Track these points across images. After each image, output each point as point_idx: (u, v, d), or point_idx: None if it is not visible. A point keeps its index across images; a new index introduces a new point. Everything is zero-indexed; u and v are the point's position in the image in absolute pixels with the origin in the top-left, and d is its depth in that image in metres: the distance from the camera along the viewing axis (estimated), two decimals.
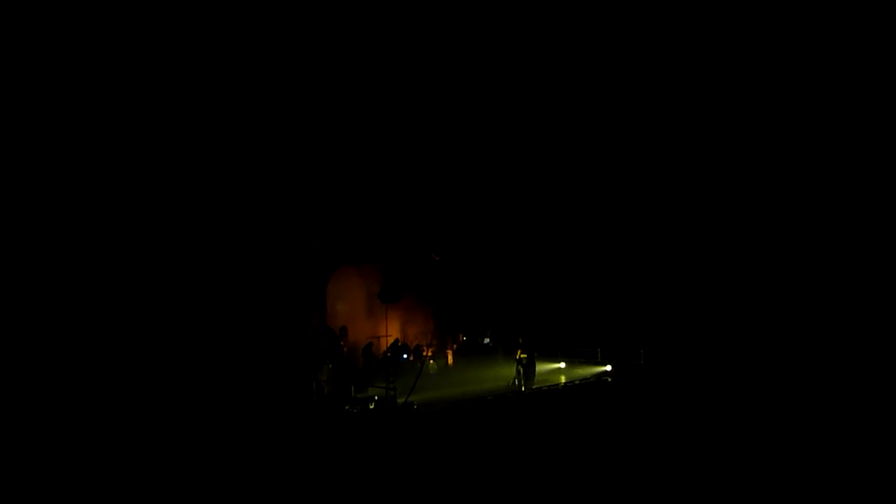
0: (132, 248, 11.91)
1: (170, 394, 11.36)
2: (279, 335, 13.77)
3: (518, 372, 15.82)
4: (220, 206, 13.34)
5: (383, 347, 16.92)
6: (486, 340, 18.64)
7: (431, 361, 17.45)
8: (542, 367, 17.36)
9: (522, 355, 15.91)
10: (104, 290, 11.44)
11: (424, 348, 17.66)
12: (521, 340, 16.43)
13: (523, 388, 15.55)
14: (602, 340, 17.72)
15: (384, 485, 8.75)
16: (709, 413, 11.53)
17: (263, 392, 12.38)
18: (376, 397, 13.65)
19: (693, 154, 15.31)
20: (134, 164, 11.98)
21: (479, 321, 18.92)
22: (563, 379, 16.91)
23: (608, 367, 17.03)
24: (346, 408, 13.28)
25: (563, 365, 18.07)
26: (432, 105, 14.59)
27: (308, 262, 15.43)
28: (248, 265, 13.71)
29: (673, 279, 16.73)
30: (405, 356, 17.03)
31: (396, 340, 17.20)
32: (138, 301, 11.85)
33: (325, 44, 12.87)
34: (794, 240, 14.42)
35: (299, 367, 13.59)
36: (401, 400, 13.35)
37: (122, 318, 11.50)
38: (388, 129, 14.83)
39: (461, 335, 19.06)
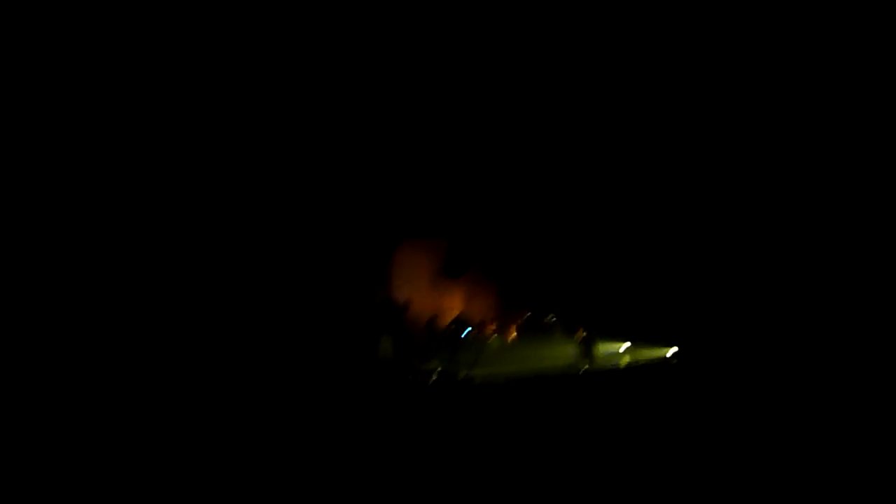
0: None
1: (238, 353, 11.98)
2: (345, 309, 14.39)
3: (579, 352, 15.85)
4: (287, 181, 14.07)
5: (447, 322, 17.03)
6: (552, 318, 18.42)
7: (494, 335, 17.47)
8: (609, 347, 17.16)
9: (582, 334, 15.91)
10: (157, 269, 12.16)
11: (488, 323, 17.63)
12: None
13: (581, 369, 15.53)
14: (668, 323, 17.08)
15: (438, 459, 8.96)
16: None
17: (327, 362, 12.78)
18: (438, 369, 13.83)
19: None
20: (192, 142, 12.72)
21: (544, 299, 18.64)
22: (626, 360, 16.77)
23: (674, 350, 16.67)
24: (409, 379, 13.57)
25: (627, 345, 17.50)
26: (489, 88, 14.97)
27: (374, 235, 16.05)
28: (314, 240, 14.41)
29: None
30: (468, 330, 17.10)
31: (459, 315, 17.28)
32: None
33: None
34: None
35: (364, 339, 14.17)
36: (461, 374, 13.53)
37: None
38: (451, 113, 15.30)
39: (525, 312, 18.78)
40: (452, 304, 17.39)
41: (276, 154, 13.96)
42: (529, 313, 18.81)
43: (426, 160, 16.04)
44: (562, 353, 16.37)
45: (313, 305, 14.01)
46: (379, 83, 14.55)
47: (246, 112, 13.32)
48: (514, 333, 18.43)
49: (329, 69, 13.88)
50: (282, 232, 14.15)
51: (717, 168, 16.26)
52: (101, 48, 11.44)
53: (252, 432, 9.32)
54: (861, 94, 12.89)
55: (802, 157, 14.57)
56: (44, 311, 10.92)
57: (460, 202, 17.08)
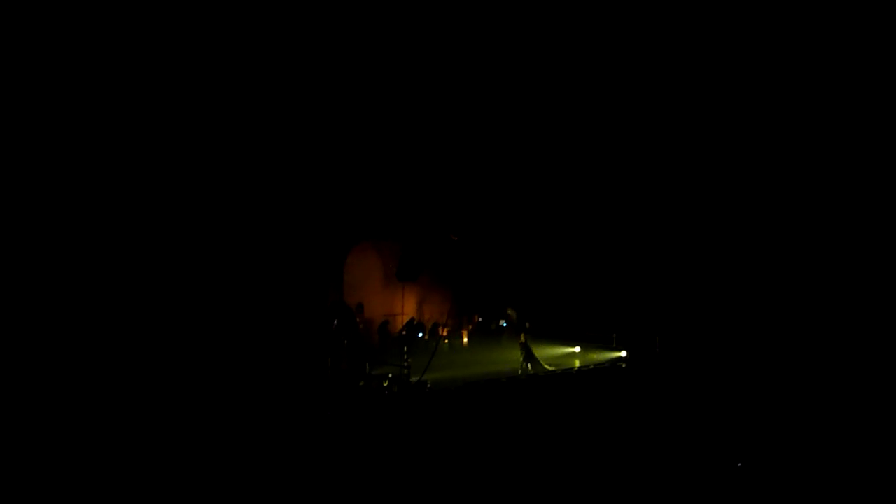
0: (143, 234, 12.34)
1: (186, 369, 11.73)
2: (296, 311, 14.22)
3: (521, 356, 16.08)
4: (242, 182, 13.80)
5: (399, 326, 17.15)
6: (502, 322, 18.83)
7: (446, 341, 17.62)
8: (557, 351, 17.54)
9: (523, 339, 16.09)
10: (120, 278, 11.89)
11: (440, 328, 17.80)
12: (527, 325, 16.62)
13: (522, 372, 15.73)
14: (618, 326, 17.80)
15: (394, 464, 9.00)
16: (716, 406, 11.64)
17: (278, 368, 12.66)
18: (390, 375, 13.81)
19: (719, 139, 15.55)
20: (149, 152, 12.40)
21: (495, 303, 19.13)
22: (577, 363, 17.01)
23: (623, 353, 17.19)
24: (360, 384, 13.48)
25: (578, 349, 18.22)
26: (454, 88, 14.94)
27: (326, 238, 15.94)
28: (266, 241, 14.13)
29: (693, 267, 16.88)
30: (420, 335, 17.21)
31: (412, 319, 17.43)
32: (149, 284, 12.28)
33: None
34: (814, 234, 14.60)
35: (315, 343, 13.96)
36: (414, 378, 13.50)
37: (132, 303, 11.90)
38: (411, 111, 15.18)
39: (476, 316, 19.24)
40: (405, 309, 17.52)
41: (230, 156, 13.89)
42: (480, 318, 19.43)
43: (380, 163, 16.05)
44: (515, 357, 16.53)
45: (264, 310, 13.90)
46: (335, 87, 14.65)
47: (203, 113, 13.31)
48: (466, 337, 18.87)
49: (293, 71, 13.92)
50: (230, 234, 13.96)
51: (670, 169, 16.68)
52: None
53: (200, 436, 9.39)
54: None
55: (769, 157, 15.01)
56: (35, 310, 10.96)
57: (413, 206, 17.16)
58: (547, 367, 16.11)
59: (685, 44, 13.83)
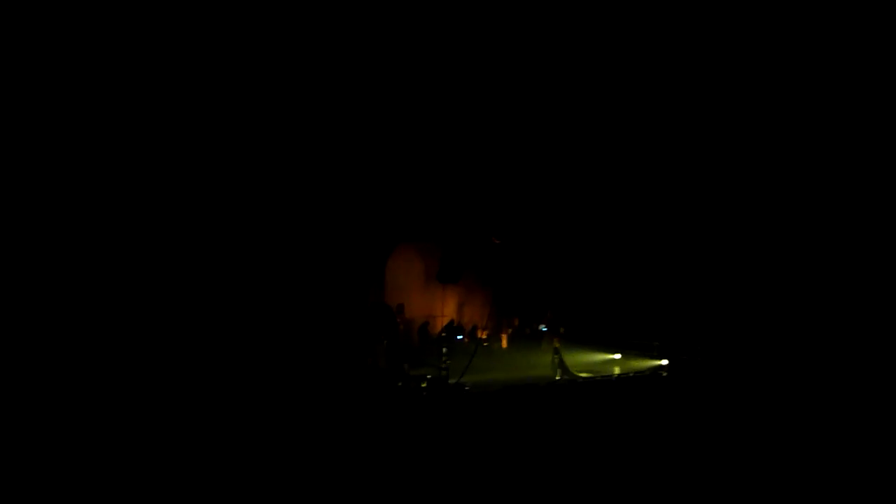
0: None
1: (234, 362, 11.89)
2: (338, 311, 14.39)
3: (553, 361, 16.24)
4: (291, 185, 14.11)
5: (439, 327, 17.30)
6: (542, 327, 18.92)
7: (486, 343, 17.67)
8: (597, 357, 17.69)
9: (557, 344, 16.24)
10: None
11: (479, 330, 17.89)
12: (562, 330, 16.87)
13: (557, 378, 15.81)
14: (660, 334, 17.78)
15: (426, 466, 9.02)
16: (756, 417, 11.50)
17: (319, 367, 12.82)
18: (429, 376, 13.97)
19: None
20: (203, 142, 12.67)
21: (536, 307, 19.22)
22: (616, 370, 17.19)
23: (664, 362, 17.12)
24: (399, 384, 13.64)
25: (618, 356, 18.24)
26: (495, 92, 15.11)
27: (368, 238, 16.09)
28: (309, 241, 14.37)
29: (739, 276, 16.65)
30: (460, 337, 17.32)
31: (452, 321, 17.53)
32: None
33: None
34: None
35: (356, 343, 14.21)
36: (453, 380, 13.57)
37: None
38: (450, 116, 15.41)
39: (517, 320, 19.33)
40: (445, 311, 17.67)
41: (268, 155, 14.09)
42: (520, 322, 19.51)
43: (423, 166, 16.21)
44: (551, 361, 16.75)
45: (306, 309, 13.94)
46: (375, 85, 14.80)
47: (236, 113, 13.37)
48: (505, 341, 18.97)
49: (321, 71, 14.07)
50: (275, 235, 14.19)
51: (705, 181, 16.64)
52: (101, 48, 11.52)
53: (243, 437, 9.37)
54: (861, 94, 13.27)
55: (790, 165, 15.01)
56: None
57: (455, 209, 17.24)
58: (577, 373, 16.21)
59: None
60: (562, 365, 16.18)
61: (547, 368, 16.37)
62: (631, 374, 16.59)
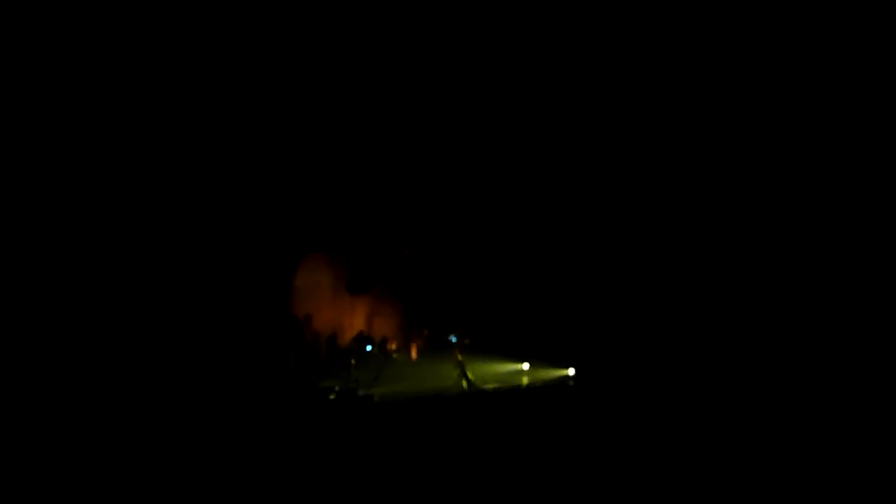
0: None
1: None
2: (243, 322, 14.22)
3: (458, 375, 16.28)
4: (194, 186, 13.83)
5: (347, 338, 17.20)
6: (452, 337, 18.79)
7: (395, 355, 17.73)
8: (506, 368, 17.75)
9: (459, 357, 16.39)
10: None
11: (389, 342, 17.89)
12: (466, 341, 17.08)
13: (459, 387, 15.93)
14: (568, 343, 17.91)
15: (333, 476, 9.18)
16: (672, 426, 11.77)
17: (223, 379, 12.66)
18: (337, 388, 13.92)
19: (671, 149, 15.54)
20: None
21: (446, 318, 19.17)
22: (525, 381, 17.29)
23: (570, 371, 17.38)
24: (307, 397, 13.66)
25: (526, 366, 18.37)
26: (415, 100, 15.19)
27: (276, 248, 15.89)
28: (213, 248, 14.19)
29: (647, 281, 16.55)
30: (369, 348, 17.22)
31: (361, 332, 17.43)
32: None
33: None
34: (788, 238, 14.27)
35: (261, 355, 14.07)
36: (361, 392, 13.62)
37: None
38: (368, 123, 15.36)
39: (426, 331, 19.28)
40: (354, 321, 17.61)
41: (166, 152, 13.68)
42: (429, 332, 19.36)
43: (334, 174, 16.12)
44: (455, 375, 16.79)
45: (210, 319, 13.82)
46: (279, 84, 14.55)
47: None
48: (415, 352, 18.90)
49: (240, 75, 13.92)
50: (177, 240, 13.93)
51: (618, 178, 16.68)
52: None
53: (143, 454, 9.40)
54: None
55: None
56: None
57: (363, 217, 17.18)
58: (483, 385, 16.28)
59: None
60: (465, 377, 16.28)
61: (457, 379, 16.48)
62: (538, 384, 16.81)
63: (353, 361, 14.78)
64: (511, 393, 15.92)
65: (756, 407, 12.08)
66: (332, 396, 13.50)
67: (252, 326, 14.49)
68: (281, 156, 15.22)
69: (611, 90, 15.02)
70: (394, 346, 18.02)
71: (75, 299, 11.69)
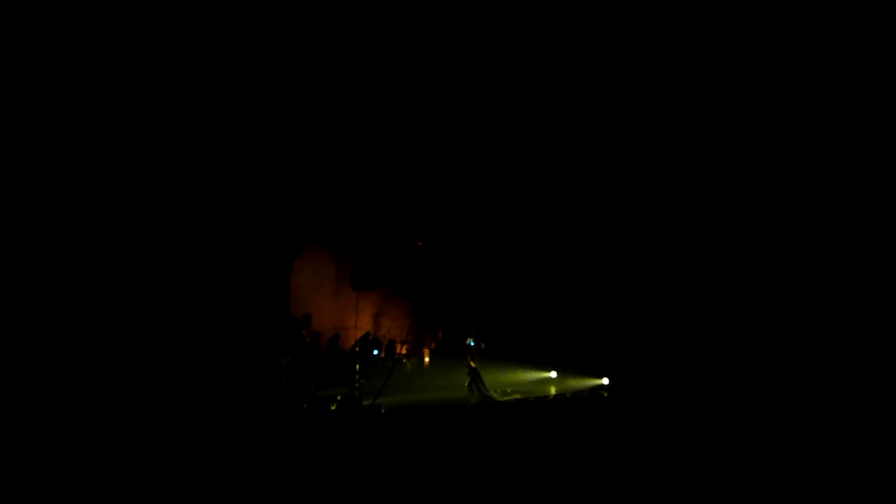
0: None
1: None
2: (233, 321, 13.93)
3: (470, 384, 15.71)
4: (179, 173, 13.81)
5: (351, 341, 16.53)
6: (469, 341, 18.01)
7: (405, 360, 17.45)
8: (530, 376, 17.42)
9: (473, 363, 15.74)
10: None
11: (398, 345, 17.63)
12: (483, 346, 16.60)
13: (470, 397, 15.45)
14: (600, 349, 17.76)
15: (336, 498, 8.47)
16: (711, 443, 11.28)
17: (209, 387, 12.36)
18: (339, 397, 13.41)
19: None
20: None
21: (463, 319, 18.70)
22: (552, 390, 16.75)
23: (605, 381, 16.90)
24: (304, 406, 12.97)
25: (553, 374, 18.05)
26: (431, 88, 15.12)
27: (272, 238, 15.64)
28: (196, 237, 14.03)
29: (683, 282, 16.72)
30: (375, 352, 16.94)
31: (367, 333, 16.60)
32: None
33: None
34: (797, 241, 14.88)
35: (254, 359, 13.50)
36: (367, 402, 13.20)
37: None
38: (376, 106, 15.19)
39: (440, 333, 18.98)
40: (359, 322, 17.20)
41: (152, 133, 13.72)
42: (443, 335, 19.07)
43: (336, 155, 15.88)
44: (485, 380, 16.15)
45: (198, 319, 13.66)
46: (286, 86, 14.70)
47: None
48: (428, 357, 18.60)
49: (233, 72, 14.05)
50: (168, 232, 13.80)
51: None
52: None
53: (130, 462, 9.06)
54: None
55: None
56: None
57: (372, 205, 16.97)
58: (494, 395, 15.76)
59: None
60: (478, 387, 15.66)
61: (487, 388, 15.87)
62: (568, 395, 16.25)
63: (357, 367, 14.06)
64: (536, 405, 15.15)
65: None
66: (333, 407, 13.02)
67: (241, 325, 14.09)
68: (274, 137, 15.06)
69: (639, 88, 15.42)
70: (403, 350, 17.76)
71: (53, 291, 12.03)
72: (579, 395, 16.20)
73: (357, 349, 15.60)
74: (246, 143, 14.65)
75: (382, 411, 13.03)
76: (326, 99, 14.96)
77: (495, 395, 15.72)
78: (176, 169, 13.79)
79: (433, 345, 19.00)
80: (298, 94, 14.73)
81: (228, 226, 14.70)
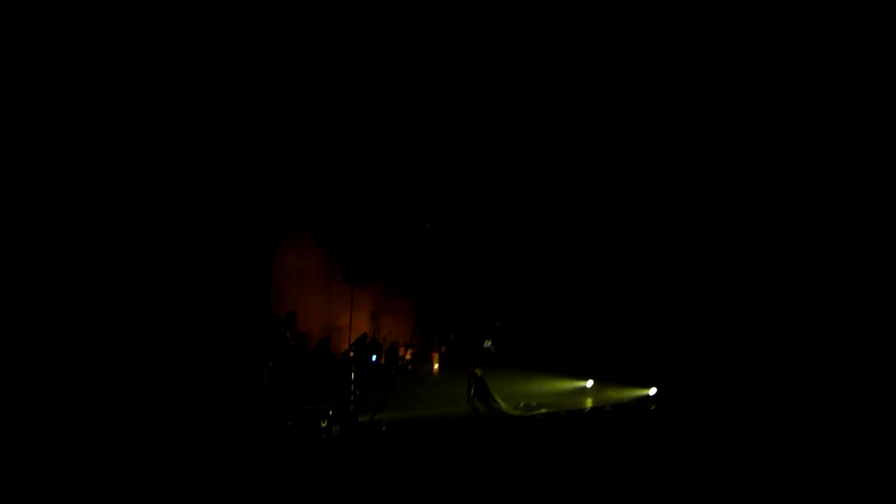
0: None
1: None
2: (201, 322, 13.99)
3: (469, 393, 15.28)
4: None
5: (345, 344, 16.28)
6: (488, 344, 18.47)
7: (410, 367, 17.20)
8: (561, 386, 17.09)
9: (478, 371, 15.32)
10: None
11: (402, 349, 17.36)
12: (492, 348, 17.12)
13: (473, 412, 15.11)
14: (645, 353, 17.39)
15: None
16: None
17: (172, 401, 12.26)
18: (331, 412, 13.08)
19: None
20: None
21: (478, 318, 18.78)
22: (588, 402, 16.49)
23: (652, 391, 16.68)
24: (289, 424, 12.78)
25: (589, 383, 17.69)
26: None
27: (246, 220, 15.77)
28: (159, 227, 14.09)
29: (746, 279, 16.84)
30: (374, 358, 16.71)
31: (364, 336, 16.68)
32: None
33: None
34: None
35: (230, 368, 13.49)
36: (364, 418, 13.13)
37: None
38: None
39: (452, 335, 18.67)
40: (354, 321, 16.46)
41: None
42: (456, 337, 18.74)
43: (321, 124, 16.10)
44: (506, 390, 15.87)
45: (158, 321, 13.66)
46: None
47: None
48: (437, 363, 18.34)
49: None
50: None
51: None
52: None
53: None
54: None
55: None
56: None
57: (367, 182, 17.01)
58: (510, 408, 15.36)
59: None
60: (485, 400, 15.21)
61: (505, 400, 15.52)
62: (608, 407, 16.15)
63: (352, 375, 13.76)
64: (568, 420, 14.93)
65: None
66: (323, 424, 12.75)
67: (211, 327, 14.26)
68: (245, 105, 15.34)
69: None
70: (408, 356, 17.43)
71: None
72: (622, 407, 16.14)
73: (352, 354, 15.49)
74: (210, 111, 14.94)
75: (383, 429, 13.00)
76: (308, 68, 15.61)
77: (511, 408, 15.40)
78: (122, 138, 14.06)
79: (444, 349, 18.77)
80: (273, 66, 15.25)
81: (194, 208, 14.77)
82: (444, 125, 17.04)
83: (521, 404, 15.90)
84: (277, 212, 16.40)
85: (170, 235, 14.36)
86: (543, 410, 15.65)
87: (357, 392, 13.54)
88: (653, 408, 16.06)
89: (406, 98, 16.56)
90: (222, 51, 14.81)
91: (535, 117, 17.37)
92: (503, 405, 15.43)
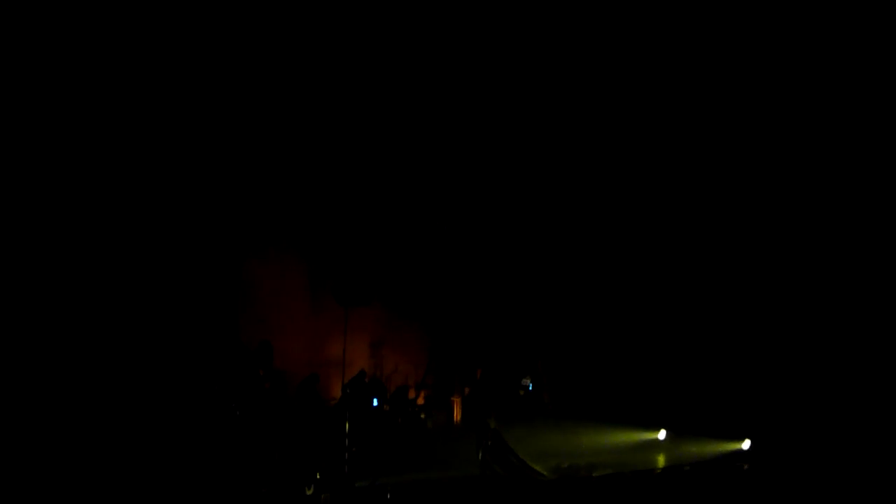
0: None
1: None
2: (146, 356, 13.79)
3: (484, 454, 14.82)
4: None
5: (336, 385, 15.76)
6: (527, 383, 18.02)
7: (423, 415, 17.10)
8: (625, 438, 17.04)
9: (493, 424, 14.96)
10: None
11: (412, 391, 17.03)
12: (546, 397, 17.03)
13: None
14: (729, 400, 16.92)
15: None
16: None
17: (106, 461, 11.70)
18: (318, 475, 12.75)
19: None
20: None
21: (510, 351, 18.30)
22: (661, 461, 16.03)
23: (745, 445, 16.17)
24: (264, 491, 12.43)
25: (662, 435, 17.23)
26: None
27: (211, 231, 15.87)
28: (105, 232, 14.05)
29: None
30: (376, 402, 16.06)
31: (362, 373, 16.06)
32: None
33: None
34: None
35: (191, 413, 13.33)
36: (362, 483, 12.89)
37: None
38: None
39: (479, 371, 17.83)
40: (349, 354, 16.09)
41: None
42: (483, 374, 18.10)
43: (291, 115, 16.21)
44: (547, 444, 15.90)
45: (88, 353, 13.15)
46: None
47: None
48: (458, 409, 18.00)
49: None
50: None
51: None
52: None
53: None
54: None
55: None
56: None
57: (358, 178, 16.90)
58: (541, 469, 14.83)
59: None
60: (497, 457, 14.65)
61: (539, 459, 14.94)
62: (686, 467, 15.75)
63: (347, 425, 13.70)
64: (634, 483, 14.24)
65: None
66: (308, 491, 12.50)
67: (159, 362, 14.10)
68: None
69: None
70: (420, 400, 16.94)
71: None
72: (703, 466, 15.77)
73: (347, 398, 15.28)
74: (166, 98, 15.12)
75: (388, 497, 12.38)
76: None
77: (547, 470, 14.86)
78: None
79: (467, 390, 18.10)
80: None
81: (143, 213, 14.71)
82: (466, 117, 17.12)
83: (566, 464, 15.06)
84: (248, 213, 16.07)
85: (117, 249, 14.04)
86: (604, 471, 15.06)
87: (353, 448, 13.42)
88: (746, 467, 15.65)
89: (409, 93, 16.95)
90: (182, 44, 15.00)
91: (549, 121, 17.70)
92: (536, 466, 15.14)
